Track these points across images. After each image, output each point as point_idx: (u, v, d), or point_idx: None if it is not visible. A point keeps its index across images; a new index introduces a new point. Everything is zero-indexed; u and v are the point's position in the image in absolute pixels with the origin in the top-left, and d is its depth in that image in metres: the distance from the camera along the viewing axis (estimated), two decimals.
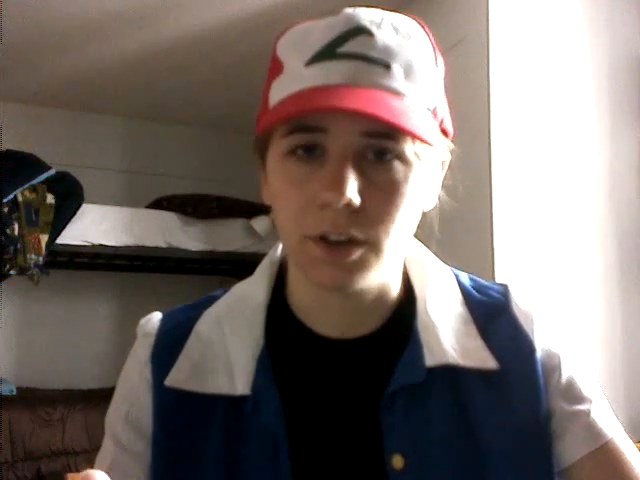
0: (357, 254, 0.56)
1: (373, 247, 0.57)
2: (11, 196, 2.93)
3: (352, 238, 0.56)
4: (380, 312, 0.66)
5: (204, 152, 4.09)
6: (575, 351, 0.67)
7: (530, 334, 0.64)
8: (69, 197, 3.08)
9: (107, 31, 2.84)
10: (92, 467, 0.63)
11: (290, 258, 0.66)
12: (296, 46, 0.58)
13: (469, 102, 2.05)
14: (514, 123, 2.05)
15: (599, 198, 2.16)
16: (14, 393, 3.12)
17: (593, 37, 2.19)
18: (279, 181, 0.59)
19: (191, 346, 0.66)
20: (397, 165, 0.56)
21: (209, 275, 3.92)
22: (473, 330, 0.65)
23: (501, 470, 0.60)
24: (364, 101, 0.53)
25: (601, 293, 2.13)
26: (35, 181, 3.01)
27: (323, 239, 0.56)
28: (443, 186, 0.66)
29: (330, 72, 0.55)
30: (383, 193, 0.56)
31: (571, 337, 0.68)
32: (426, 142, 0.55)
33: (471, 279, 0.71)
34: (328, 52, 0.56)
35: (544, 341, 0.65)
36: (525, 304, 0.67)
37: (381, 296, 0.65)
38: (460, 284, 0.69)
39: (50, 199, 3.03)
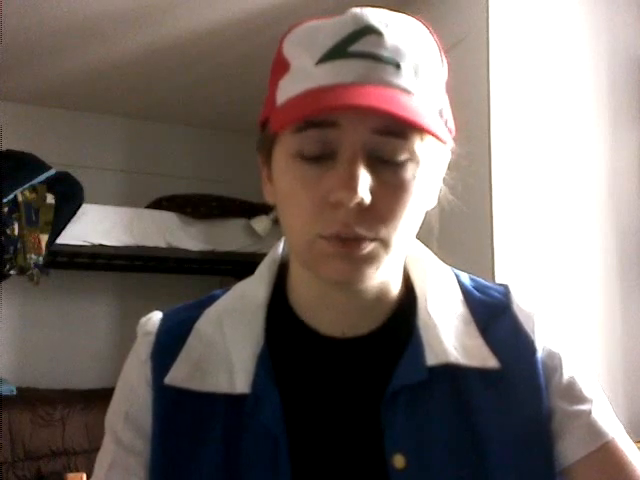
0: (368, 248, 0.57)
1: (382, 243, 0.57)
2: (11, 196, 2.93)
3: (361, 237, 0.56)
4: (381, 311, 0.66)
5: (204, 152, 4.09)
6: (576, 351, 0.67)
7: (531, 334, 0.64)
8: (69, 197, 3.08)
9: (107, 31, 2.84)
10: (92, 467, 0.63)
11: (294, 257, 0.66)
12: (304, 45, 0.58)
13: (469, 102, 2.05)
14: (514, 123, 2.05)
15: (599, 198, 2.16)
16: (14, 393, 3.12)
17: (593, 37, 2.19)
18: (288, 181, 0.59)
19: (191, 345, 0.66)
20: (406, 163, 0.57)
21: (209, 275, 3.92)
22: (474, 329, 0.65)
23: (502, 470, 0.60)
24: (378, 98, 0.53)
25: (601, 293, 2.13)
26: (35, 181, 3.01)
27: (336, 237, 0.56)
28: (444, 185, 0.66)
29: (342, 70, 0.55)
30: (392, 191, 0.57)
31: (571, 337, 0.68)
32: (440, 139, 0.55)
33: (471, 279, 0.71)
34: (339, 51, 0.56)
35: (545, 341, 0.65)
36: (526, 304, 0.67)
37: (382, 295, 0.65)
38: (460, 284, 0.69)
39: (50, 199, 3.03)
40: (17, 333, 3.57)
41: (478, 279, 0.72)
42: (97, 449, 0.67)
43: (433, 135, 0.55)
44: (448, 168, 0.66)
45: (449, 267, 0.71)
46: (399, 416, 0.61)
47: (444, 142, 0.56)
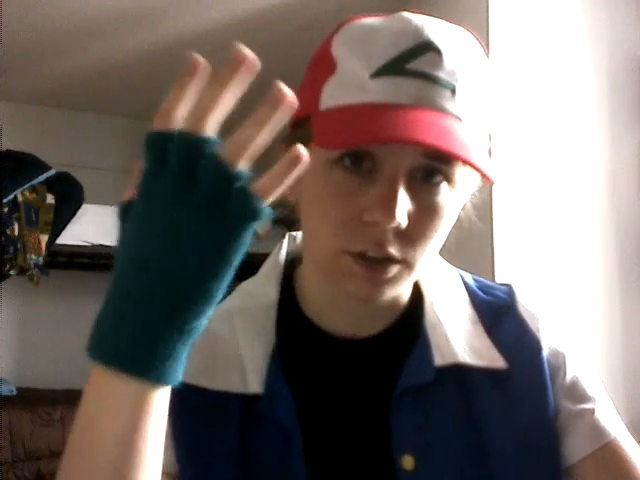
0: (393, 272, 0.56)
1: (408, 265, 0.57)
2: (11, 196, 2.93)
3: (390, 257, 0.56)
4: (389, 312, 0.66)
5: None
6: (579, 350, 0.67)
7: (536, 333, 0.65)
8: (69, 197, 3.08)
9: (107, 31, 2.84)
10: None
11: (313, 263, 0.65)
12: (359, 50, 0.56)
13: None
14: (514, 123, 2.05)
15: (599, 198, 2.16)
16: (14, 393, 3.12)
17: (593, 37, 2.19)
18: (321, 187, 0.57)
19: (202, 342, 0.66)
20: (444, 187, 0.57)
21: None
22: (481, 330, 0.65)
23: (509, 470, 0.60)
24: (431, 129, 0.52)
25: (601, 293, 2.13)
26: (35, 181, 3.01)
27: (362, 255, 0.56)
28: (470, 204, 0.66)
29: (397, 90, 0.54)
30: (427, 215, 0.56)
31: (571, 337, 0.68)
32: (487, 177, 0.54)
33: (475, 280, 0.71)
34: (397, 67, 0.54)
35: (550, 340, 0.65)
36: (530, 303, 0.67)
37: (393, 299, 0.66)
38: (466, 284, 0.70)
39: (50, 199, 3.03)
40: (17, 333, 3.57)
41: (481, 279, 0.72)
42: None
43: (481, 173, 0.54)
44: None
45: (454, 268, 0.71)
46: (407, 416, 0.61)
47: (490, 180, 0.55)
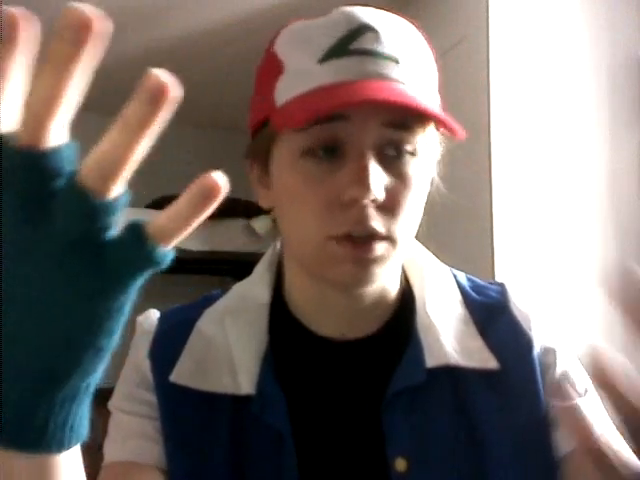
0: (380, 250, 0.57)
1: (392, 240, 0.57)
2: None
3: (374, 233, 0.56)
4: (380, 313, 0.66)
5: (204, 152, 4.08)
6: (570, 346, 0.67)
7: (528, 332, 0.65)
8: None
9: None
10: (94, 465, 0.63)
11: (295, 261, 0.65)
12: (300, 45, 0.58)
13: (469, 102, 2.05)
14: (514, 123, 2.05)
15: (599, 198, 2.16)
16: None
17: (593, 37, 2.19)
18: (294, 181, 0.58)
19: (194, 344, 0.66)
20: (411, 158, 0.57)
21: (209, 275, 3.92)
22: (473, 330, 0.65)
23: (503, 470, 0.60)
24: (390, 92, 0.54)
25: (601, 293, 2.12)
26: None
27: (347, 237, 0.56)
28: (438, 179, 0.67)
29: (346, 68, 0.56)
30: (402, 186, 0.57)
31: (571, 337, 0.68)
32: (453, 129, 0.55)
33: (469, 279, 0.71)
34: (340, 49, 0.56)
35: (542, 338, 0.65)
36: (523, 302, 0.67)
37: (381, 298, 0.65)
38: (458, 284, 0.69)
39: None
40: None
41: (475, 279, 0.72)
42: (100, 447, 0.67)
43: (447, 125, 0.55)
44: (449, 166, 0.66)
45: (447, 267, 0.71)
46: (399, 418, 0.61)
47: (456, 133, 0.56)
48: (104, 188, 0.31)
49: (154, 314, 0.71)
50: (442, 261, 0.72)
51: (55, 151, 0.31)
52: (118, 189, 0.32)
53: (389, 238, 0.57)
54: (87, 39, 0.29)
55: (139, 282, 0.34)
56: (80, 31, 0.29)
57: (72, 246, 0.31)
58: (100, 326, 0.33)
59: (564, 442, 0.61)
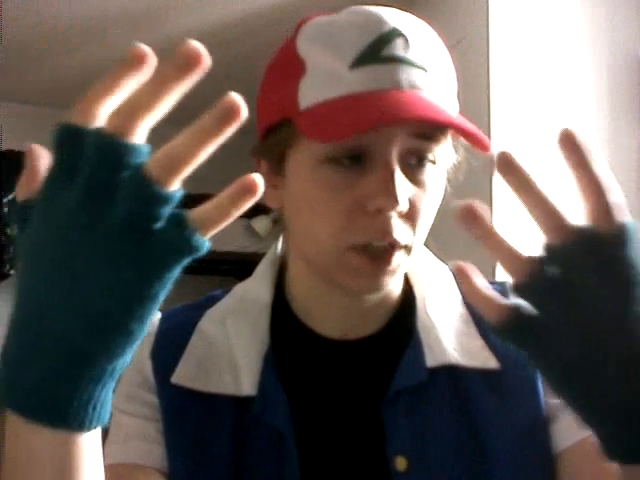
0: (397, 260, 0.57)
1: (408, 250, 0.57)
2: (11, 196, 2.93)
3: (395, 244, 0.56)
4: (381, 313, 0.66)
5: None
6: None
7: None
8: None
9: (107, 31, 2.84)
10: None
11: (306, 262, 0.65)
12: (327, 46, 0.56)
13: (469, 102, 2.05)
14: (514, 123, 2.05)
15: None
16: None
17: (593, 37, 2.19)
18: (315, 187, 0.57)
19: (195, 345, 0.66)
20: (432, 167, 0.57)
21: (209, 275, 3.92)
22: (474, 330, 0.65)
23: (503, 469, 0.60)
24: (422, 106, 0.53)
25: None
26: None
27: (366, 247, 0.56)
28: (448, 185, 0.67)
29: (377, 76, 0.55)
30: (422, 195, 0.57)
31: None
32: (483, 143, 0.56)
33: None
34: (371, 56, 0.55)
35: None
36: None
37: (384, 298, 0.65)
38: (459, 284, 0.69)
39: None
40: None
41: None
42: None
43: (477, 138, 0.54)
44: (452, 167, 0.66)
45: (447, 267, 0.71)
46: (400, 418, 0.61)
47: (487, 147, 0.56)
48: (166, 179, 0.34)
49: (155, 314, 0.71)
50: (442, 261, 0.72)
51: (133, 145, 0.34)
52: (177, 184, 0.35)
53: (406, 247, 0.57)
54: (192, 68, 0.35)
55: (176, 270, 0.36)
56: (189, 60, 0.35)
57: (125, 228, 0.34)
58: (133, 311, 0.35)
59: (560, 438, 0.61)
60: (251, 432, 0.62)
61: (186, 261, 0.36)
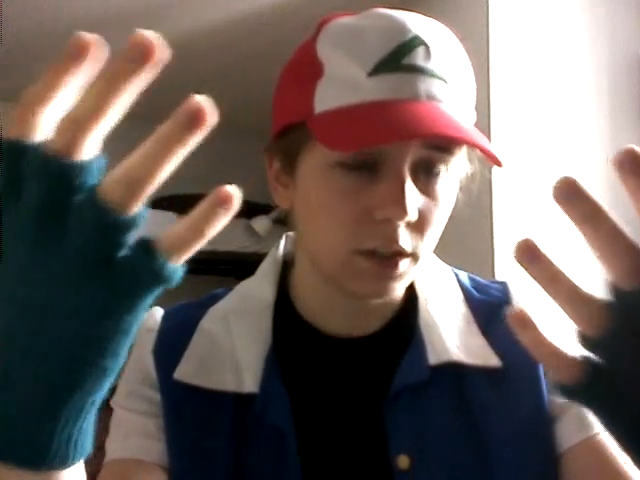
0: (403, 267, 0.57)
1: (414, 257, 0.57)
2: None
3: (401, 252, 0.56)
4: (384, 311, 0.67)
5: (204, 152, 4.06)
6: (571, 343, 0.67)
7: None
8: None
9: (107, 31, 2.83)
10: (95, 465, 0.63)
11: (308, 264, 0.65)
12: (347, 51, 0.56)
13: None
14: (514, 123, 2.05)
15: (599, 198, 2.15)
16: None
17: (593, 37, 2.19)
18: (325, 190, 0.57)
19: (197, 343, 0.66)
20: (444, 177, 0.57)
21: (209, 275, 3.92)
22: (475, 328, 0.65)
23: (505, 467, 0.60)
24: (440, 120, 0.53)
25: (601, 293, 2.13)
26: None
27: (372, 253, 0.56)
28: (460, 193, 0.67)
29: (397, 85, 0.54)
30: (432, 205, 0.57)
31: (572, 335, 0.68)
32: (497, 160, 0.54)
33: (470, 278, 0.72)
34: (392, 64, 0.55)
35: None
36: (525, 300, 0.67)
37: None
38: (460, 283, 0.70)
39: None
40: None
41: (477, 278, 0.72)
42: (101, 447, 0.67)
43: (490, 154, 0.54)
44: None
45: (449, 266, 0.71)
46: (402, 416, 0.61)
47: (499, 163, 0.55)
48: (126, 204, 0.30)
49: (158, 312, 0.71)
50: (443, 261, 0.72)
51: (84, 164, 0.30)
52: (138, 206, 0.30)
53: (413, 255, 0.57)
54: (144, 61, 0.29)
55: (147, 302, 0.32)
56: (140, 52, 0.29)
57: (83, 261, 0.30)
58: (104, 347, 0.32)
59: (565, 437, 0.61)
60: (252, 430, 0.62)
61: (156, 292, 0.32)
